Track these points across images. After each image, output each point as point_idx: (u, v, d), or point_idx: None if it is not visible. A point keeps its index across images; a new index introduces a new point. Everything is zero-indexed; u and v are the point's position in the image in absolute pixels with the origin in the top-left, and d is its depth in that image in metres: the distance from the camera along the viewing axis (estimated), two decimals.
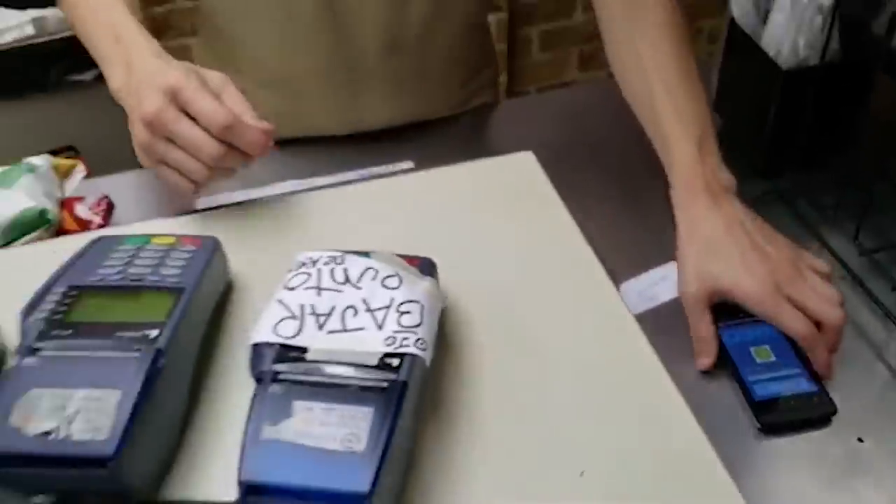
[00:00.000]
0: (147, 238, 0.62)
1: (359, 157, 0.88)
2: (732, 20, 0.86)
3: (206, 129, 0.64)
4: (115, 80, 0.70)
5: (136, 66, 0.68)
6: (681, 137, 0.71)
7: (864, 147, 0.83)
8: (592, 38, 2.22)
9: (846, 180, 0.80)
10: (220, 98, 0.66)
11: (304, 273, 0.56)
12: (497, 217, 0.72)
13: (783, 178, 0.84)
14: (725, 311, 0.66)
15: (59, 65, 1.50)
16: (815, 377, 0.63)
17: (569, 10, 2.14)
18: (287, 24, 0.86)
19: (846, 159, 0.84)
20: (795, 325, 0.63)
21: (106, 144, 1.13)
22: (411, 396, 0.49)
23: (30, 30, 1.57)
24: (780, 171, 0.84)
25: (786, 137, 0.83)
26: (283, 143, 0.91)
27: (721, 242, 0.66)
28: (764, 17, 0.82)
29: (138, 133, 0.66)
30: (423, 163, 0.85)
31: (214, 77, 0.67)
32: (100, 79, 1.56)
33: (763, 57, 0.81)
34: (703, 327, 0.65)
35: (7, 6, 1.67)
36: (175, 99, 0.64)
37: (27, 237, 0.75)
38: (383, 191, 0.78)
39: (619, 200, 0.82)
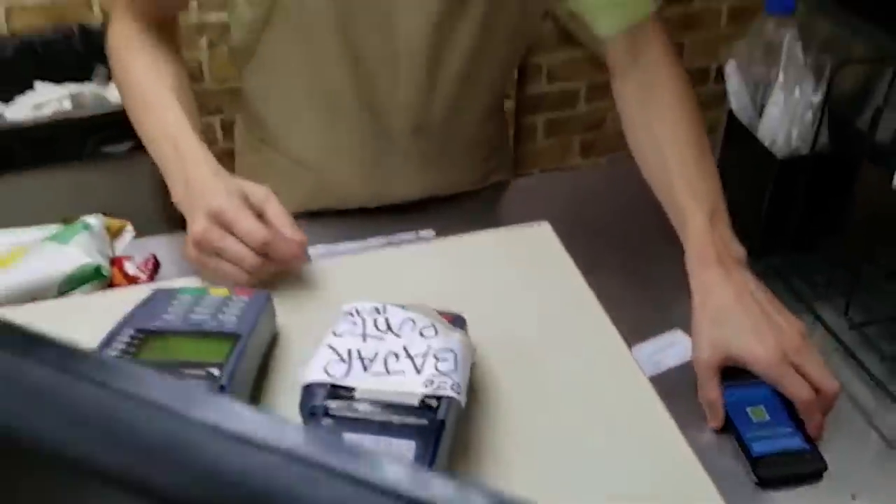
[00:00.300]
0: (204, 290, 0.68)
1: (383, 224, 0.95)
2: (731, 112, 0.95)
3: (247, 245, 0.72)
4: (176, 193, 0.79)
5: (192, 184, 0.76)
6: (695, 211, 0.78)
7: (850, 231, 0.90)
8: (593, 127, 2.34)
9: (835, 261, 0.87)
10: (262, 210, 0.74)
11: (350, 321, 0.62)
12: (517, 281, 0.78)
13: (777, 257, 0.91)
14: (725, 372, 0.72)
15: (95, 137, 1.58)
16: (807, 436, 0.69)
17: (572, 102, 2.26)
18: (324, 111, 0.94)
19: (834, 241, 0.91)
20: (799, 391, 0.67)
21: (135, 211, 1.19)
22: (448, 434, 0.54)
23: (67, 104, 1.66)
24: (774, 251, 0.91)
25: (779, 220, 0.90)
26: (316, 213, 0.98)
27: (732, 310, 0.71)
28: (760, 110, 0.90)
29: (189, 249, 0.75)
30: (443, 232, 0.92)
31: (258, 192, 0.76)
32: (132, 151, 1.64)
33: (759, 146, 0.89)
34: (712, 392, 0.70)
35: (47, 80, 1.77)
36: (219, 221, 0.72)
37: (80, 289, 0.81)
38: (410, 255, 0.84)
39: (626, 271, 0.89)
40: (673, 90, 0.87)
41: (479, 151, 1.05)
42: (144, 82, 0.88)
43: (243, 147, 1.08)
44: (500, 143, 1.10)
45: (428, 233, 0.93)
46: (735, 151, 0.96)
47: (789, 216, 0.89)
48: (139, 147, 1.60)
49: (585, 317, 0.74)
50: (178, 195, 0.79)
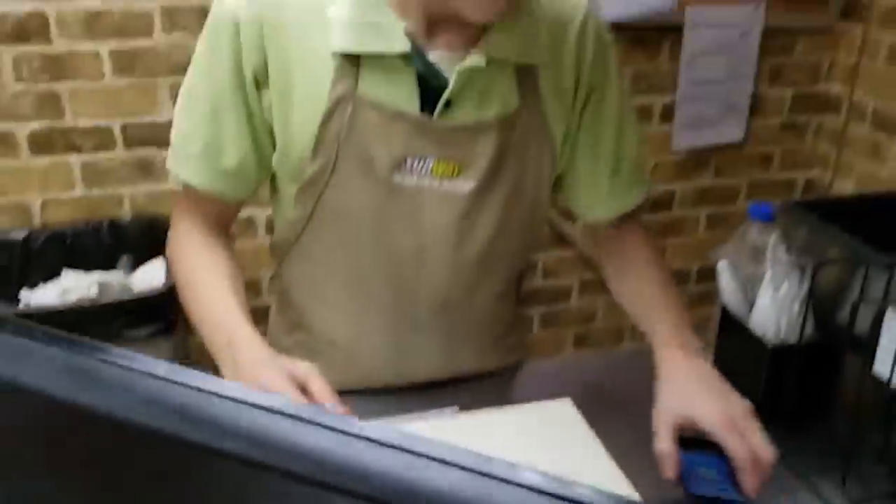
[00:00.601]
0: None
1: (408, 402, 1.02)
2: (724, 307, 1.06)
3: None
4: (226, 374, 0.87)
5: (240, 365, 0.85)
6: (663, 322, 0.97)
7: (840, 412, 0.99)
8: (586, 321, 2.46)
9: (828, 440, 0.95)
10: (306, 385, 0.82)
11: None
12: (545, 454, 0.85)
13: (773, 437, 0.98)
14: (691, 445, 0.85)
15: (118, 321, 1.67)
16: (743, 495, 0.81)
17: (566, 297, 2.40)
18: (356, 296, 1.03)
19: (826, 422, 0.99)
20: (739, 449, 0.81)
21: None
22: None
23: (94, 291, 1.76)
24: (770, 432, 0.99)
25: (774, 403, 0.99)
26: (344, 392, 1.05)
27: (689, 381, 0.88)
28: (750, 304, 1.01)
29: None
30: (466, 409, 0.99)
31: (301, 369, 0.84)
32: (152, 335, 1.71)
33: (752, 336, 0.99)
34: (665, 447, 0.84)
35: (74, 269, 1.88)
36: None
37: None
38: (439, 430, 0.91)
39: (639, 445, 0.95)
40: (644, 248, 1.08)
41: (494, 329, 1.13)
42: (203, 275, 0.97)
43: (277, 330, 1.17)
44: (514, 325, 1.20)
45: (452, 409, 1.00)
46: (729, 341, 1.07)
47: (783, 399, 0.98)
48: (159, 332, 1.69)
49: (613, 487, 0.80)
50: (227, 377, 0.86)
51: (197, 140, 0.95)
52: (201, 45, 0.94)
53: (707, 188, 2.41)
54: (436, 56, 0.90)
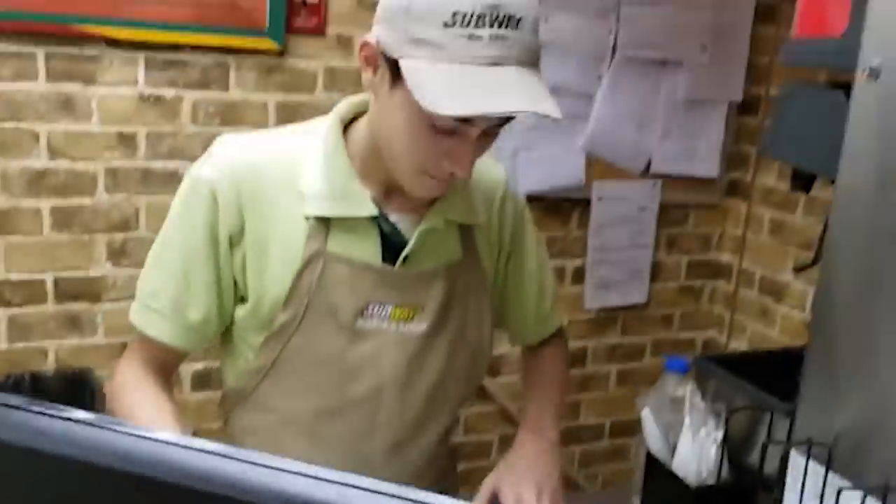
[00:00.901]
0: None
1: None
2: (648, 452, 1.16)
3: None
4: None
5: None
6: (534, 408, 1.18)
7: None
8: None
9: None
10: None
11: None
12: None
13: None
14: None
15: None
16: None
17: (486, 452, 2.44)
18: (309, 442, 1.06)
19: None
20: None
21: None
22: None
23: None
24: None
25: None
26: None
27: (515, 461, 1.09)
28: (672, 448, 1.12)
29: None
30: None
31: None
32: None
33: (675, 479, 1.09)
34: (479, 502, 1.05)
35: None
36: None
37: None
38: None
39: None
40: (552, 368, 1.27)
41: (435, 472, 1.18)
42: (149, 410, 0.99)
43: None
44: (448, 470, 1.26)
45: None
46: (655, 484, 1.16)
47: None
48: None
49: None
50: None
51: (165, 297, 1.01)
52: (177, 207, 1.02)
53: (616, 345, 2.56)
54: (395, 217, 1.02)
